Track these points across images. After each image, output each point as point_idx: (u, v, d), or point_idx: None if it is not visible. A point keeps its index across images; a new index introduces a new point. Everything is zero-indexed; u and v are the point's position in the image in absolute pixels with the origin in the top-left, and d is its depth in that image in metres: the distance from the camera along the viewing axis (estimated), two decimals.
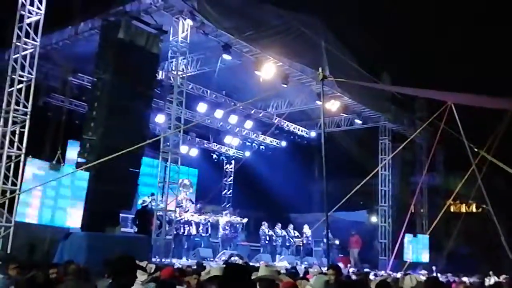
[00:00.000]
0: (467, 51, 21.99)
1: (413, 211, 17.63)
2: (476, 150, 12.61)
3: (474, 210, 21.16)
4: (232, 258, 14.02)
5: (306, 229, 18.85)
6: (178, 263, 12.54)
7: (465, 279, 12.87)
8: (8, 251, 9.74)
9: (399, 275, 11.26)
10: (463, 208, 20.90)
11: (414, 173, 22.19)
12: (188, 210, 16.71)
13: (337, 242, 19.12)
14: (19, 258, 7.95)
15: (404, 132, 20.39)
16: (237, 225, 17.88)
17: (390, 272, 15.16)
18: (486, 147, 12.93)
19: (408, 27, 22.60)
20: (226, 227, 17.30)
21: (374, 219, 21.07)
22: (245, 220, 18.06)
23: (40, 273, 6.13)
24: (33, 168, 10.28)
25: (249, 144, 22.74)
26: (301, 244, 18.67)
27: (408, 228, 17.56)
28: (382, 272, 15.52)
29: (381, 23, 21.14)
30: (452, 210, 20.96)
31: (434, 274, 15.27)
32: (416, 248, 18.71)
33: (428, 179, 22.04)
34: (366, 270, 14.98)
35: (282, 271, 9.18)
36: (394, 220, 19.75)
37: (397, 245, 16.64)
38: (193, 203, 17.88)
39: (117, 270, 3.99)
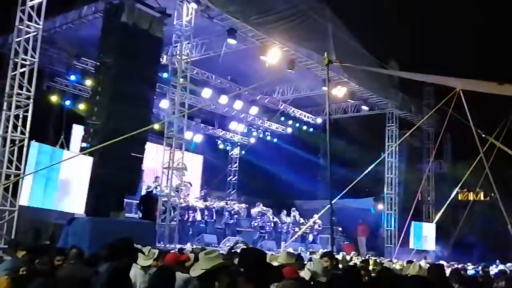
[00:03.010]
0: (477, 36, 21.63)
1: (419, 198, 17.50)
2: (484, 136, 12.46)
3: (482, 198, 20.97)
4: (238, 245, 13.99)
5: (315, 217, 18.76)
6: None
7: (470, 267, 12.78)
8: (13, 235, 9.73)
9: (404, 262, 11.18)
10: (471, 196, 20.70)
11: (421, 161, 22.08)
12: (188, 194, 16.58)
13: (339, 229, 19.03)
14: (23, 241, 7.93)
15: (412, 119, 20.19)
16: (242, 212, 17.85)
17: (396, 260, 15.08)
18: (494, 134, 12.78)
19: (417, 12, 22.26)
20: (231, 213, 17.29)
21: (380, 206, 20.95)
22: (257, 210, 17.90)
23: (46, 259, 6.10)
24: (37, 152, 10.22)
25: (255, 130, 22.62)
26: (307, 231, 18.58)
27: (415, 216, 17.46)
28: (386, 260, 15.44)
29: (390, 8, 20.79)
30: (459, 198, 20.80)
31: (440, 262, 15.19)
32: (422, 236, 18.60)
33: (435, 167, 21.90)
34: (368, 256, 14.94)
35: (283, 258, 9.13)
36: (400, 207, 19.64)
37: (403, 233, 16.56)
38: (191, 185, 17.67)
39: (115, 252, 3.92)
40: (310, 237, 18.88)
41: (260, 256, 3.77)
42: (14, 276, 4.32)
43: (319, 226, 18.92)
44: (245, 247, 8.07)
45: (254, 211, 17.96)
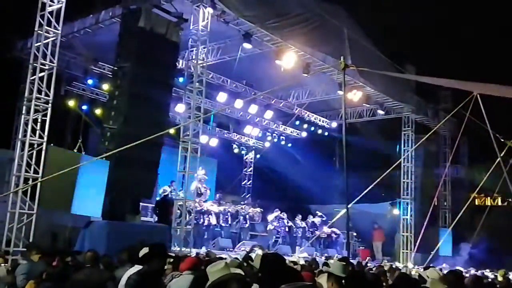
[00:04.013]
0: (494, 40, 21.40)
1: (436, 204, 17.30)
2: (502, 140, 12.28)
3: (500, 203, 20.69)
4: (254, 249, 13.99)
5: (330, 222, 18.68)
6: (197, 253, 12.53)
7: (488, 273, 12.60)
8: (31, 238, 9.84)
9: (421, 268, 11.06)
10: (488, 201, 20.44)
11: (438, 165, 21.83)
12: (206, 201, 16.66)
13: (355, 234, 18.90)
14: (41, 245, 8.03)
15: (428, 123, 19.99)
16: (256, 216, 17.83)
17: (412, 265, 14.94)
18: None
19: (434, 16, 22.10)
20: (246, 218, 17.28)
21: (396, 211, 20.76)
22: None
23: (60, 261, 6.17)
24: (55, 156, 10.35)
25: (269, 134, 22.61)
26: (323, 236, 18.50)
27: (432, 221, 17.26)
28: (402, 265, 15.30)
29: (406, 11, 20.69)
30: (476, 203, 20.53)
31: (457, 268, 15.01)
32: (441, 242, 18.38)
33: (452, 172, 21.66)
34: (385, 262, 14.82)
35: (301, 262, 9.12)
36: (416, 213, 19.44)
37: (419, 238, 16.37)
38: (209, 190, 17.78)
39: (149, 256, 3.96)
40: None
41: (281, 262, 3.82)
42: (38, 281, 4.38)
43: (335, 234, 18.83)
44: (264, 252, 8.07)
45: (271, 217, 17.91)
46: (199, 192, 16.86)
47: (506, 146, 12.37)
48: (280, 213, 17.81)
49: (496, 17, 21.31)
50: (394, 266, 12.30)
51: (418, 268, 12.39)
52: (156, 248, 4.16)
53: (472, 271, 14.09)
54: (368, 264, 13.57)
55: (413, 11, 21.07)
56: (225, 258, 7.66)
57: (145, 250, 4.29)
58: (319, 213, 19.28)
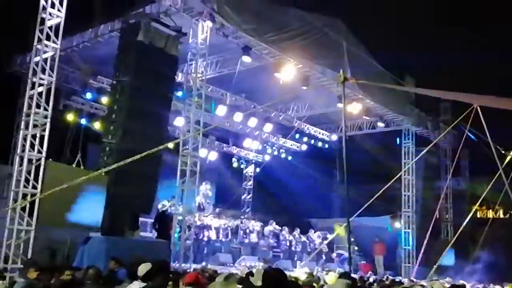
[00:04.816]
0: (493, 52, 21.46)
1: (437, 216, 17.19)
2: (503, 152, 12.23)
3: (502, 215, 20.58)
4: (257, 263, 13.86)
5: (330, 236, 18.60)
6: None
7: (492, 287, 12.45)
8: (29, 255, 9.72)
9: (424, 282, 10.92)
10: (490, 214, 20.33)
11: (439, 178, 21.75)
12: (207, 216, 16.58)
13: (356, 247, 18.78)
14: (39, 262, 7.91)
15: (428, 136, 19.96)
16: (256, 230, 17.68)
17: (414, 279, 14.76)
18: None
19: (433, 28, 22.19)
20: (246, 232, 17.13)
21: (397, 224, 20.62)
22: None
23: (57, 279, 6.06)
24: (54, 171, 10.27)
25: (269, 147, 22.55)
26: (324, 251, 18.37)
27: (433, 234, 17.12)
28: (406, 279, 15.12)
29: (405, 25, 20.78)
30: (478, 215, 20.42)
31: (460, 282, 14.84)
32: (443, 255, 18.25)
33: (453, 184, 21.57)
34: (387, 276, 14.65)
35: (302, 278, 8.98)
36: (418, 226, 19.31)
37: (421, 252, 16.23)
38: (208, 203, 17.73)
39: (153, 273, 3.94)
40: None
41: (282, 277, 3.84)
42: None
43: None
44: (266, 268, 7.96)
45: (266, 229, 17.81)
46: (202, 207, 16.80)
47: (507, 157, 12.33)
48: (275, 227, 17.70)
49: (497, 29, 21.43)
50: (397, 280, 12.16)
51: (421, 282, 12.22)
52: (160, 264, 4.12)
53: (477, 285, 13.95)
54: (370, 279, 13.39)
55: (413, 24, 21.19)
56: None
57: (147, 267, 4.23)
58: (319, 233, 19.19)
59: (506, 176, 12.16)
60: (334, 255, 18.63)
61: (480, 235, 16.66)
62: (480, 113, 11.22)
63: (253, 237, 17.54)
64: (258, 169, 23.24)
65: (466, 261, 18.34)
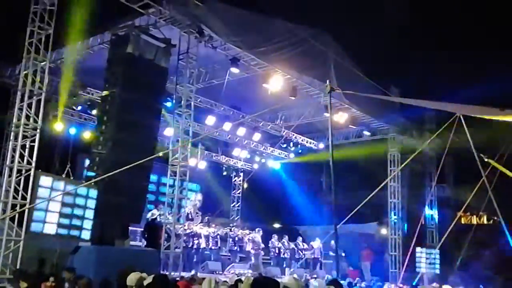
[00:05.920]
0: (476, 64, 21.90)
1: (423, 223, 17.46)
2: (486, 160, 12.52)
3: (485, 221, 20.92)
4: (246, 271, 13.96)
5: (318, 243, 18.78)
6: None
7: None
8: (18, 264, 9.77)
9: None
10: (474, 220, 20.66)
11: (424, 185, 22.04)
12: (197, 224, 16.68)
13: (343, 254, 18.97)
14: (28, 271, 7.98)
15: (413, 144, 20.26)
16: (245, 238, 17.81)
17: (401, 285, 14.98)
18: (496, 157, 12.84)
19: (418, 39, 22.61)
20: (235, 240, 17.25)
21: (384, 231, 20.88)
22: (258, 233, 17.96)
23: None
24: (43, 182, 10.35)
25: (258, 156, 22.72)
26: (312, 257, 18.55)
27: (419, 241, 17.38)
28: (393, 285, 15.33)
29: (390, 34, 21.15)
30: (462, 222, 20.74)
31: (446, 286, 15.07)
32: (427, 261, 18.51)
33: (438, 191, 21.88)
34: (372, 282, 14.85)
35: (290, 285, 9.11)
36: (404, 232, 19.58)
37: (407, 258, 16.47)
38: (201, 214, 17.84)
39: (152, 285, 4.05)
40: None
41: (274, 285, 3.86)
42: None
43: (321, 253, 18.92)
44: (255, 277, 8.07)
45: (254, 237, 17.91)
46: (190, 217, 16.88)
47: (490, 165, 12.62)
48: (255, 235, 17.82)
49: (483, 41, 21.89)
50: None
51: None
52: (160, 278, 4.28)
53: None
54: (358, 285, 13.57)
55: (399, 33, 21.56)
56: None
57: (137, 275, 4.36)
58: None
59: (489, 183, 12.46)
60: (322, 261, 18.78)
61: (465, 241, 16.97)
62: (463, 121, 11.52)
63: (242, 245, 17.66)
64: (247, 178, 23.42)
65: (451, 266, 18.62)
